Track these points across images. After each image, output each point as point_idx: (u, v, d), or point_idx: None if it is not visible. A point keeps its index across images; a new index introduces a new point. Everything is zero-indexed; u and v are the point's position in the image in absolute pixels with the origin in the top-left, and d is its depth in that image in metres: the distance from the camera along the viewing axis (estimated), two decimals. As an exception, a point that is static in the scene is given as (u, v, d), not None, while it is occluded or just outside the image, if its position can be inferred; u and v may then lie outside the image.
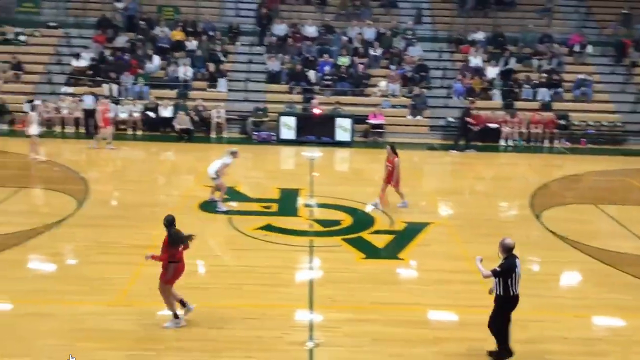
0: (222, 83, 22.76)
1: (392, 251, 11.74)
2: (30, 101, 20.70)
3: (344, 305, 9.42)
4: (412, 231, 12.79)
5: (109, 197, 14.58)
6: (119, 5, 25.57)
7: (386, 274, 10.72)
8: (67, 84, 22.36)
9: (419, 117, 22.33)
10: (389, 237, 12.39)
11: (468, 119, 20.32)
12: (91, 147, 18.44)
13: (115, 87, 22.20)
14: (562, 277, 11.14)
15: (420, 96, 22.52)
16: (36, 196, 14.23)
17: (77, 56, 22.94)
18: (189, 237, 8.71)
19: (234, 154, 13.54)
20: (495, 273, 7.74)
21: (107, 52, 23.46)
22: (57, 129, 20.85)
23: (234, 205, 13.82)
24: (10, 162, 17.21)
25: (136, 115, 21.10)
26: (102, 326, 8.56)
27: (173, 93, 22.40)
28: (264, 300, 9.56)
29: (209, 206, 13.78)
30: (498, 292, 7.84)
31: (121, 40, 24.13)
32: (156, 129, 21.00)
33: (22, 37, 24.06)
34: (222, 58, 23.76)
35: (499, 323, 7.93)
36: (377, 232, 12.69)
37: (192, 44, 24.07)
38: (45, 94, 21.78)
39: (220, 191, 13.44)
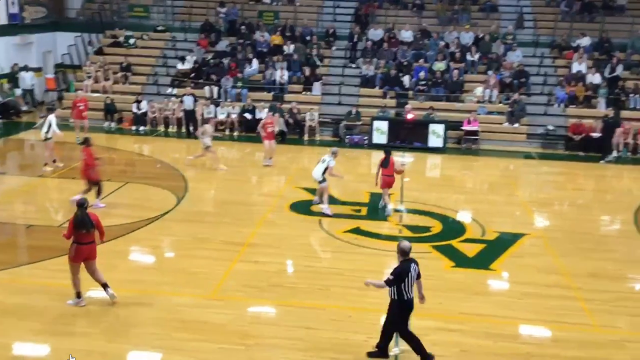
0: (316, 87, 23.10)
1: (483, 261, 11.47)
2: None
3: (432, 313, 9.31)
4: (504, 242, 12.44)
5: (206, 195, 15.17)
6: (222, 10, 26.56)
7: (476, 284, 10.49)
8: (171, 85, 23.46)
9: (516, 125, 21.66)
10: (480, 247, 12.12)
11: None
12: (267, 165, 17.60)
13: (215, 89, 23.05)
14: (667, 299, 10.46)
15: (518, 103, 21.84)
16: (140, 191, 15.02)
17: (182, 59, 24.02)
18: (90, 225, 8.93)
19: (334, 153, 13.96)
20: (389, 282, 7.70)
21: (209, 56, 24.41)
22: (161, 128, 21.90)
23: (322, 207, 13.97)
24: (117, 158, 18.26)
25: (234, 116, 21.81)
26: (196, 318, 8.94)
27: (269, 96, 22.97)
28: (351, 302, 9.62)
29: (299, 207, 14.04)
30: (392, 297, 7.78)
31: (223, 45, 25.03)
32: (252, 130, 21.56)
33: (131, 40, 25.48)
34: (318, 62, 24.10)
35: (392, 324, 7.92)
36: (467, 240, 12.45)
37: (289, 48, 24.59)
38: (151, 95, 22.94)
39: (323, 195, 13.61)
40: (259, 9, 27.22)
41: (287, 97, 22.87)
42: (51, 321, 8.74)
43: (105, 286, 9.22)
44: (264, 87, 23.29)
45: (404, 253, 7.87)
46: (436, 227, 13.18)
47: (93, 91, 23.24)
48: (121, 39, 25.61)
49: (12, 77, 23.66)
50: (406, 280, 7.70)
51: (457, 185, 17.10)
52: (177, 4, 27.34)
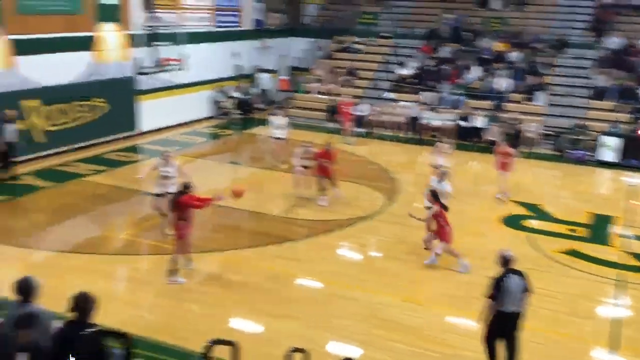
0: (540, 96, 21.95)
1: None
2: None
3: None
4: None
5: (415, 199, 15.25)
6: (447, 17, 26.51)
7: None
8: (390, 90, 24.05)
9: None
10: None
11: None
12: (500, 198, 15.10)
13: (433, 95, 23.10)
14: None
15: None
16: (353, 190, 15.66)
17: (403, 65, 24.48)
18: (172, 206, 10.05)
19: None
20: (492, 297, 7.36)
21: (430, 62, 24.53)
22: (378, 131, 22.55)
23: (536, 223, 13.29)
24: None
25: (449, 123, 21.67)
26: (395, 318, 9.12)
27: (488, 104, 22.41)
28: (557, 327, 9.06)
29: (512, 221, 13.53)
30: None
31: (445, 51, 24.98)
32: (467, 138, 21.29)
33: (358, 46, 26.63)
34: (544, 71, 22.87)
35: (486, 339, 7.55)
36: None
37: (514, 55, 23.70)
38: (371, 99, 23.75)
39: None
40: (486, 15, 26.64)
41: (507, 106, 22.09)
42: (265, 302, 9.55)
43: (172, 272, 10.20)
44: (483, 95, 22.77)
45: (502, 262, 7.48)
46: (668, 258, 11.79)
47: (319, 93, 24.77)
48: (348, 44, 26.89)
49: (252, 78, 26.21)
50: (501, 290, 7.28)
51: (699, 215, 15.05)
52: (403, 11, 27.92)
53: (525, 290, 7.52)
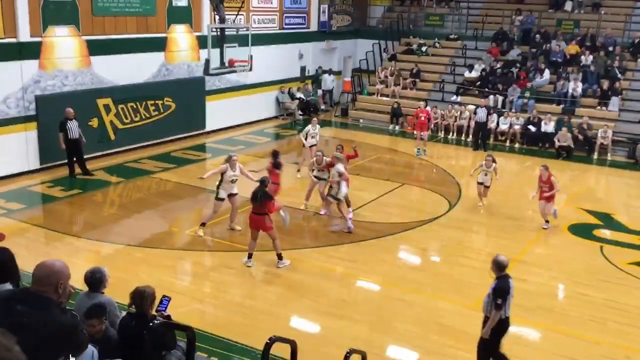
0: (614, 101, 21.09)
1: None
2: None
3: None
4: None
5: (478, 205, 14.97)
6: (518, 18, 25.84)
7: None
8: (456, 93, 23.64)
9: None
10: None
11: None
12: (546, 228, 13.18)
13: (500, 98, 22.58)
14: None
15: None
16: (415, 193, 15.50)
17: (469, 67, 24.05)
18: (257, 199, 10.34)
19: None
20: (499, 306, 7.05)
21: (498, 65, 23.99)
22: (441, 134, 22.22)
23: (607, 233, 12.77)
24: (398, 160, 19.09)
25: (517, 128, 21.12)
26: (456, 325, 8.95)
27: (558, 109, 21.70)
28: (628, 342, 8.68)
29: (579, 229, 13.06)
30: (488, 315, 7.18)
31: (514, 53, 24.37)
32: (535, 143, 20.69)
33: (424, 48, 26.34)
34: (619, 75, 21.97)
35: (492, 349, 7.24)
36: None
37: (587, 58, 22.88)
38: (435, 101, 23.41)
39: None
40: (558, 17, 25.81)
41: (578, 111, 21.34)
42: (325, 302, 9.57)
43: (279, 256, 10.60)
44: (553, 99, 22.09)
45: (500, 267, 7.19)
46: None
47: (382, 95, 24.64)
48: (414, 46, 26.63)
49: (316, 79, 26.34)
50: (507, 297, 7.08)
51: None
52: (472, 12, 27.41)
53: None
